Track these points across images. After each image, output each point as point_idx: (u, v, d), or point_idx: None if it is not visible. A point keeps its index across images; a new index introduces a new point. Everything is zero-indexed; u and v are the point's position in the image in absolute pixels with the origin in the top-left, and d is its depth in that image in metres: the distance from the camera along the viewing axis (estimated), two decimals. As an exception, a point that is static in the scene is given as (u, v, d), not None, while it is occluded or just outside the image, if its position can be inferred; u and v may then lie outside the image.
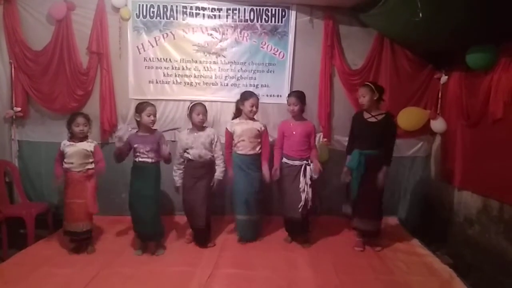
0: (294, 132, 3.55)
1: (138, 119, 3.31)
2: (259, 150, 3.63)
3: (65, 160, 3.28)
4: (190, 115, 3.48)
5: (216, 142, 3.55)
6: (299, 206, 3.43)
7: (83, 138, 3.34)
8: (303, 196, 3.43)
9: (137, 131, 3.37)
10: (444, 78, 4.10)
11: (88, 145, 3.34)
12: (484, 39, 3.20)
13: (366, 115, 3.48)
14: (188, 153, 3.45)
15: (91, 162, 3.35)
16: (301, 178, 3.46)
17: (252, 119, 3.64)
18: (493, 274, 3.18)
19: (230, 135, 3.62)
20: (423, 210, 4.42)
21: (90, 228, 3.39)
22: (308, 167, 3.48)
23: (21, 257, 3.26)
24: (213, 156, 3.53)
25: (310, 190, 3.45)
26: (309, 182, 3.45)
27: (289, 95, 3.66)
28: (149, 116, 3.27)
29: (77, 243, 3.38)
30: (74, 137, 3.32)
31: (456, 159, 3.87)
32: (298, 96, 3.56)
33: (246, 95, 3.60)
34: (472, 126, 3.62)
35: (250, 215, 3.61)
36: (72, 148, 3.28)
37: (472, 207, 3.65)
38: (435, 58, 4.11)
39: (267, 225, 4.02)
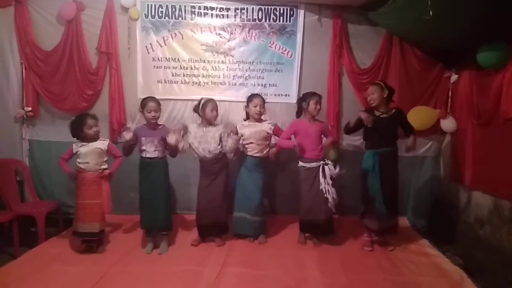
0: (309, 132, 3.52)
1: (142, 114, 3.37)
2: (266, 153, 3.65)
3: (79, 161, 3.28)
4: (203, 110, 3.44)
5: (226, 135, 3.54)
6: (330, 207, 3.42)
7: (96, 138, 3.36)
8: (329, 197, 3.40)
9: (144, 124, 3.43)
10: (454, 77, 4.05)
11: (101, 144, 3.37)
12: (495, 36, 3.16)
13: (376, 113, 3.46)
14: (196, 150, 3.45)
15: (105, 162, 3.37)
16: (321, 179, 3.43)
17: (260, 120, 3.63)
18: (505, 276, 3.13)
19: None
20: (432, 210, 4.37)
21: (103, 228, 3.43)
22: (326, 167, 3.45)
23: (32, 255, 3.30)
24: (223, 149, 3.50)
25: (333, 190, 3.43)
26: (330, 181, 3.43)
27: (314, 95, 3.51)
28: (149, 112, 3.31)
29: (88, 244, 3.37)
30: (86, 139, 3.32)
31: (467, 158, 3.83)
32: (320, 96, 3.56)
33: (250, 97, 3.64)
34: (483, 125, 3.58)
35: (249, 215, 3.59)
36: (86, 148, 3.28)
37: (483, 207, 3.60)
38: (445, 57, 4.06)
39: (274, 225, 4.01)
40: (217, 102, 3.61)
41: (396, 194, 3.54)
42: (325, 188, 3.42)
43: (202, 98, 3.53)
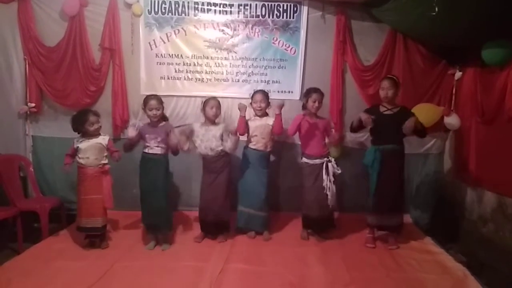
0: (311, 129, 3.52)
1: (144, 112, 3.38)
2: (269, 148, 3.68)
3: (80, 155, 3.29)
4: (204, 109, 3.50)
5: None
6: (328, 204, 3.44)
7: (97, 134, 3.37)
8: (329, 194, 3.43)
9: (148, 123, 3.43)
10: (458, 74, 4.04)
11: (102, 139, 3.37)
12: (500, 34, 3.14)
13: (382, 109, 3.45)
14: (199, 147, 3.46)
15: (106, 157, 3.38)
16: (324, 176, 3.44)
17: (264, 114, 3.68)
18: (508, 273, 3.12)
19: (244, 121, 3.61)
20: (436, 208, 4.36)
21: (106, 223, 3.44)
22: (329, 164, 3.46)
23: (36, 251, 3.31)
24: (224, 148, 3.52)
25: (334, 187, 3.45)
26: (332, 179, 3.45)
27: (314, 92, 3.52)
28: (151, 110, 3.32)
29: (92, 239, 3.39)
30: (87, 135, 3.32)
31: (470, 156, 3.82)
32: (322, 94, 3.55)
33: (252, 94, 3.70)
34: (487, 123, 3.57)
35: (254, 210, 3.63)
36: (86, 143, 3.30)
37: (487, 205, 3.59)
38: (449, 54, 4.04)
39: (276, 221, 4.01)
40: (220, 99, 3.62)
41: (399, 192, 3.50)
42: (327, 185, 3.44)
43: (205, 98, 3.57)
